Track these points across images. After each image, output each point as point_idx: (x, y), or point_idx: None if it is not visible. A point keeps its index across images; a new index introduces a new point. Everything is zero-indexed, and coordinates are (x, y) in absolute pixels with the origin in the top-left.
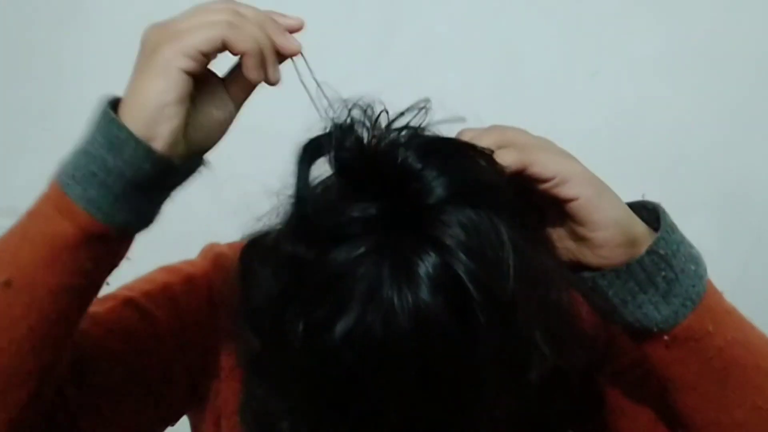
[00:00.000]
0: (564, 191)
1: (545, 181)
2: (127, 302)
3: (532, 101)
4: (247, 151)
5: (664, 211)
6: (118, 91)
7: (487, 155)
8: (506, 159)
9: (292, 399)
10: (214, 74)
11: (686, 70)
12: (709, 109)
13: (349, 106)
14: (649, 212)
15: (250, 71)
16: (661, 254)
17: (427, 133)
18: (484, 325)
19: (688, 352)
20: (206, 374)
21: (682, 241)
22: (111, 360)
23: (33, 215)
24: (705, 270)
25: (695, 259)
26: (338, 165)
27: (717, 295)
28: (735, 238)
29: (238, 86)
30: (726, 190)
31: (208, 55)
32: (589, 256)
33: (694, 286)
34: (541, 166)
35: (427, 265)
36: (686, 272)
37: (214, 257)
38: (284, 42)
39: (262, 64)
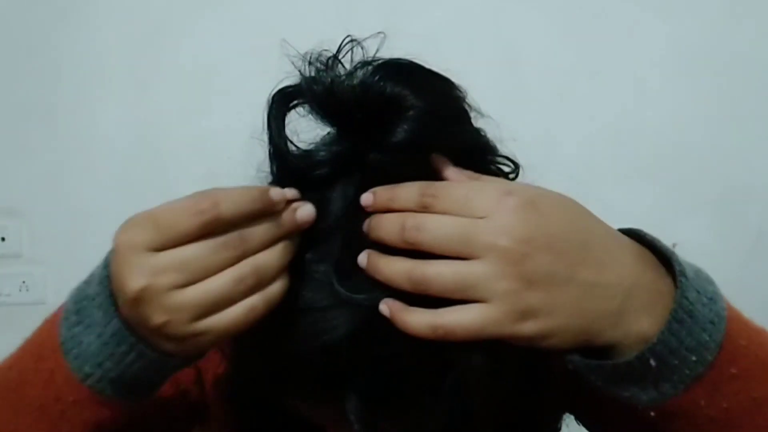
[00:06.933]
0: None
1: None
2: None
3: (532, 101)
4: (246, 152)
5: (680, 299)
6: (117, 90)
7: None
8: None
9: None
10: None
11: (686, 71)
12: (710, 109)
13: (308, 59)
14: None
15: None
16: (651, 361)
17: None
18: None
19: (676, 421)
20: None
21: (690, 332)
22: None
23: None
24: (713, 351)
25: (699, 347)
26: (325, 102)
27: (724, 363)
28: (735, 238)
29: None
30: (726, 190)
31: None
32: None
33: (689, 371)
34: None
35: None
36: (685, 361)
37: None
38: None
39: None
